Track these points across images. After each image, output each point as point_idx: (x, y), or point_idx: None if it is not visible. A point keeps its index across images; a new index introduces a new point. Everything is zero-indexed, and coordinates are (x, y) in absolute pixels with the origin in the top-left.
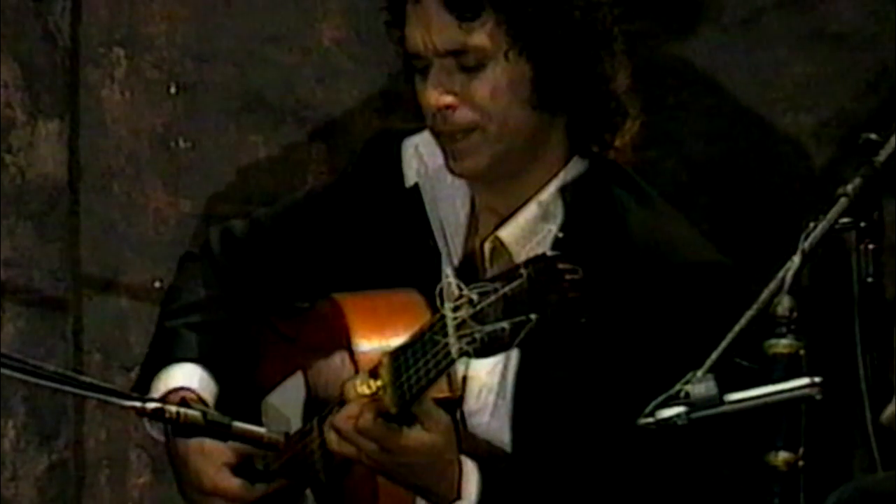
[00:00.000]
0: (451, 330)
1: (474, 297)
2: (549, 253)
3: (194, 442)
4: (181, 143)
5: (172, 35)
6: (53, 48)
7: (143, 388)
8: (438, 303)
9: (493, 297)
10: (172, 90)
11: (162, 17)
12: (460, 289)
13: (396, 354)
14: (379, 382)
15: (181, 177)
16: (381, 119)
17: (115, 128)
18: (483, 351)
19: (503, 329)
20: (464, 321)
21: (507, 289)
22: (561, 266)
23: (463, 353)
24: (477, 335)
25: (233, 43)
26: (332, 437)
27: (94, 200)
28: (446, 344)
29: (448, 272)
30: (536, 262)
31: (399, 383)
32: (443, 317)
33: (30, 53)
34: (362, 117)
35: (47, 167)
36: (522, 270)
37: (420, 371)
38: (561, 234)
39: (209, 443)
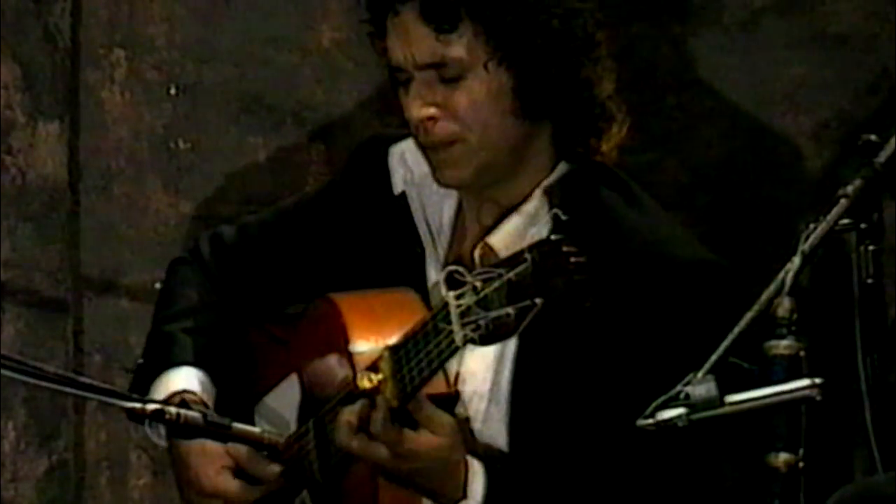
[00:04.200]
0: (454, 317)
1: (478, 284)
2: (553, 237)
3: (195, 443)
4: (181, 144)
5: (172, 36)
6: (53, 49)
7: (139, 392)
8: (443, 291)
9: (497, 283)
10: (172, 91)
11: (162, 18)
12: (463, 276)
13: (397, 347)
14: (380, 376)
15: (181, 178)
16: (380, 120)
17: (116, 129)
18: (488, 338)
19: (508, 315)
20: (468, 308)
21: (511, 274)
22: (565, 249)
23: (468, 341)
24: (482, 322)
25: (233, 44)
26: (340, 435)
27: (94, 201)
28: (450, 332)
29: (434, 277)
30: (540, 246)
31: (400, 376)
32: (446, 304)
33: (30, 54)
34: (362, 118)
35: (47, 168)
36: (527, 255)
37: (422, 362)
38: (564, 217)
39: (210, 445)
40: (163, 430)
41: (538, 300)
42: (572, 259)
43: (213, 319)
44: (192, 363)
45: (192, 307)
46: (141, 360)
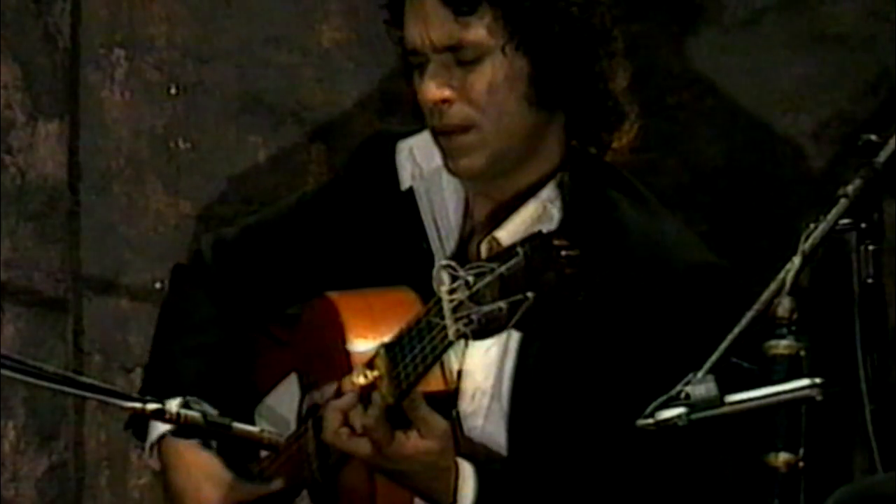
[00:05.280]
0: (447, 312)
1: (470, 278)
2: (544, 230)
3: (184, 466)
4: (181, 144)
5: (172, 36)
6: (53, 49)
7: (139, 423)
8: (435, 285)
9: (489, 278)
10: (172, 91)
11: (162, 18)
12: (456, 271)
13: (392, 344)
14: (375, 373)
15: (181, 178)
16: (380, 120)
17: (115, 129)
18: (481, 332)
19: (500, 309)
20: (461, 303)
21: (503, 269)
22: (557, 243)
23: (461, 335)
24: (474, 316)
25: (233, 44)
26: (329, 426)
27: (94, 201)
28: (443, 327)
29: (444, 279)
30: (532, 240)
31: (396, 373)
32: (439, 300)
33: (30, 54)
34: (362, 118)
35: (47, 168)
36: (518, 249)
37: (417, 358)
38: (560, 214)
39: (201, 460)
40: (156, 455)
41: (530, 294)
42: (564, 253)
43: (215, 336)
44: (193, 391)
45: (194, 324)
46: (143, 381)
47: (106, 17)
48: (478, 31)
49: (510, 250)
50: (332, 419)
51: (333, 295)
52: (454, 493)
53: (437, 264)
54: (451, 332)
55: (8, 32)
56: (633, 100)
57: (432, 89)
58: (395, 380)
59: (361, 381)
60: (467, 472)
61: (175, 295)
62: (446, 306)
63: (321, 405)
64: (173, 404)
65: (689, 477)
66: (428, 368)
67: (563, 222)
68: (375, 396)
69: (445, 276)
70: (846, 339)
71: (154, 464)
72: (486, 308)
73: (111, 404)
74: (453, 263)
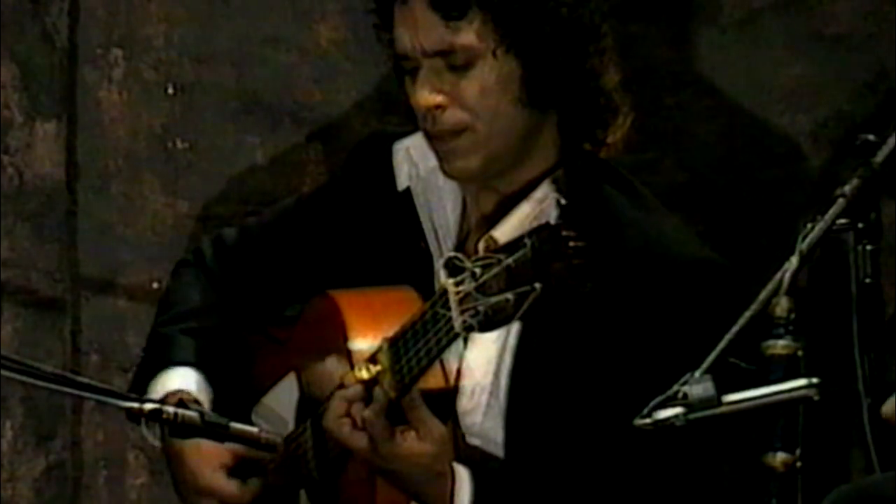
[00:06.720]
0: (453, 303)
1: (477, 270)
2: (552, 222)
3: (190, 442)
4: (179, 144)
5: (170, 36)
6: (51, 49)
7: (138, 392)
8: (440, 279)
9: (496, 269)
10: (170, 91)
11: (160, 18)
12: (462, 262)
13: (395, 339)
14: (378, 367)
15: (179, 177)
16: (378, 120)
17: (113, 128)
18: (487, 324)
19: (507, 300)
20: (467, 294)
21: (510, 260)
22: (564, 234)
23: (467, 327)
24: (481, 308)
25: (230, 44)
26: (330, 414)
27: (91, 201)
28: (449, 318)
29: (441, 274)
30: (540, 231)
31: (398, 367)
32: (445, 291)
33: (28, 54)
34: (360, 118)
35: (45, 168)
36: (526, 240)
37: (421, 352)
38: (564, 202)
39: (205, 443)
40: (158, 430)
41: (537, 285)
42: (571, 243)
43: (213, 322)
44: (190, 364)
45: (192, 309)
46: (140, 359)
47: (104, 16)
48: (468, 36)
49: (517, 241)
50: (335, 407)
51: (334, 293)
52: (450, 499)
53: (438, 260)
54: (457, 324)
55: (6, 32)
56: (626, 95)
57: (425, 95)
58: (398, 374)
59: (364, 375)
60: (463, 476)
61: (176, 283)
62: (452, 298)
63: (320, 405)
64: (170, 404)
65: (687, 477)
66: (432, 361)
67: (561, 219)
68: (377, 391)
69: (449, 270)
70: (844, 340)
71: (154, 440)
72: (493, 299)
73: (109, 404)
74: (460, 255)
